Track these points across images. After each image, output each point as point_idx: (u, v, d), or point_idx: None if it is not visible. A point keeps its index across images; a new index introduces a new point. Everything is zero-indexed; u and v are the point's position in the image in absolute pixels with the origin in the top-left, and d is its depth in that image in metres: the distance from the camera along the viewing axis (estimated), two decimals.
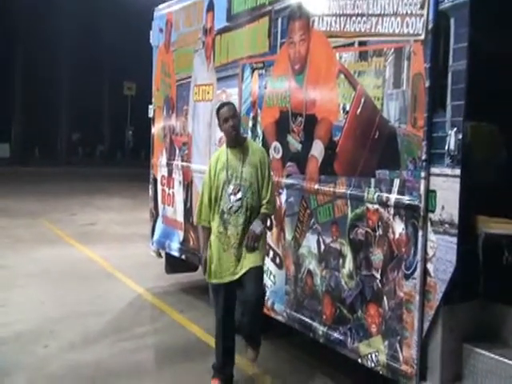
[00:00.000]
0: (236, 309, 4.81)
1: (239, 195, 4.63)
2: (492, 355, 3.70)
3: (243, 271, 4.61)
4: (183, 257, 7.26)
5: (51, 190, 19.19)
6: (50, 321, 6.46)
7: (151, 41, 8.16)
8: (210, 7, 6.60)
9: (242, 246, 4.62)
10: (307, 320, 5.01)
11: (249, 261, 4.62)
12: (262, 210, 4.73)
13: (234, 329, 4.83)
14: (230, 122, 4.65)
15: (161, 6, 8.01)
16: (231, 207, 4.64)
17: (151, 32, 8.16)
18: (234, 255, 4.64)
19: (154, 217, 8.08)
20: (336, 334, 4.66)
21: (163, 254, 7.97)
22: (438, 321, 3.82)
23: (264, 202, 4.72)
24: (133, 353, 5.66)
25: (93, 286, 8.00)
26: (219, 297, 4.77)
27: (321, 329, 4.84)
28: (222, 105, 4.85)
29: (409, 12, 3.97)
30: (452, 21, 3.67)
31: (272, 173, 4.93)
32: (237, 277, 4.64)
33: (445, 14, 3.71)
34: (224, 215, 4.66)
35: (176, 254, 7.42)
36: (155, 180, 8.07)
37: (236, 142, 4.76)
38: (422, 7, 3.86)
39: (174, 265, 7.84)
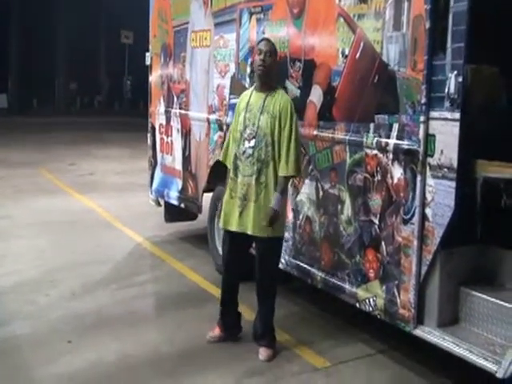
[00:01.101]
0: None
1: (252, 143, 4.38)
2: (489, 298, 3.73)
3: (250, 231, 4.42)
4: (182, 205, 7.26)
5: (49, 140, 19.08)
6: (50, 270, 6.48)
7: None
8: None
9: (246, 199, 4.40)
10: (306, 266, 5.04)
11: (259, 225, 4.36)
12: (281, 173, 4.35)
13: (236, 283, 4.71)
14: (262, 55, 4.36)
15: None
16: (243, 153, 4.41)
17: None
18: (237, 206, 4.46)
19: (153, 165, 8.05)
20: (334, 280, 4.69)
21: (162, 202, 7.97)
22: (436, 265, 3.84)
23: (283, 160, 4.33)
24: (134, 300, 5.69)
25: (92, 235, 8.01)
26: (224, 246, 4.75)
27: (319, 274, 4.87)
28: (262, 39, 4.70)
29: None
30: None
31: (298, 129, 4.54)
32: (241, 230, 4.46)
33: None
34: (236, 161, 4.47)
35: (175, 202, 7.42)
36: (153, 128, 8.01)
37: (263, 83, 4.47)
38: None
39: (173, 213, 7.84)
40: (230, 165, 4.60)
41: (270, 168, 4.38)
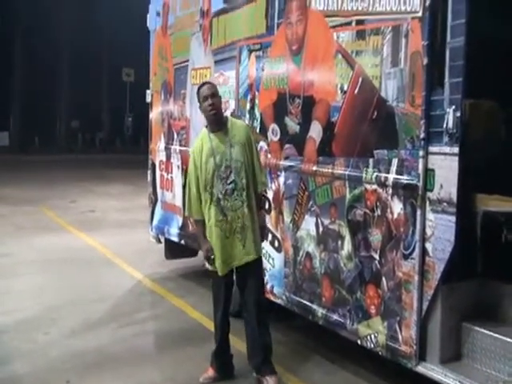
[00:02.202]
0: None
1: (232, 177, 4.44)
2: (491, 333, 3.70)
3: (253, 256, 4.50)
4: (182, 242, 7.24)
5: (51, 178, 19.16)
6: (51, 308, 6.45)
7: (148, 25, 8.10)
8: None
9: (245, 228, 4.47)
10: (306, 302, 5.00)
11: (251, 248, 4.51)
12: (260, 189, 4.65)
13: (229, 322, 4.71)
14: (209, 100, 4.43)
15: None
16: (226, 192, 4.44)
17: (148, 16, 8.10)
18: (238, 240, 4.48)
19: (153, 202, 8.05)
20: (335, 316, 4.65)
21: (162, 239, 7.94)
22: (437, 300, 3.80)
23: (259, 178, 4.59)
24: (134, 338, 5.64)
25: (93, 272, 7.99)
26: (220, 285, 4.62)
27: (320, 311, 4.83)
28: (202, 84, 4.68)
29: None
30: None
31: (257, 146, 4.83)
32: (243, 262, 4.50)
33: None
34: (220, 202, 4.45)
35: (175, 239, 7.40)
36: (154, 165, 8.03)
37: (217, 123, 4.53)
38: None
39: (173, 250, 7.81)
40: (201, 216, 4.59)
41: (251, 191, 4.55)
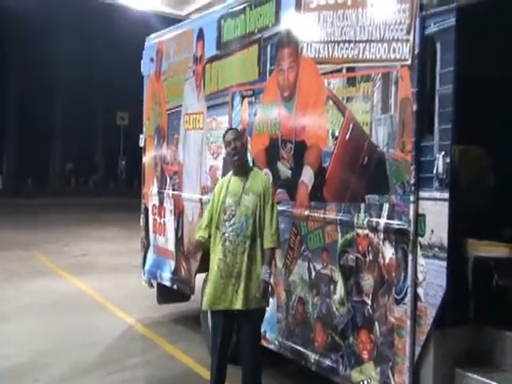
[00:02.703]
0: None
1: (238, 223, 4.51)
2: (484, 379, 3.66)
3: (244, 306, 4.46)
4: (175, 287, 7.20)
5: (44, 221, 19.13)
6: (41, 353, 6.38)
7: (142, 70, 8.19)
8: (200, 36, 6.65)
9: (241, 276, 4.48)
10: (299, 348, 4.96)
11: (254, 298, 4.49)
12: (268, 245, 4.54)
13: (226, 366, 4.67)
14: (232, 144, 4.59)
15: (152, 36, 8.07)
16: (229, 234, 4.52)
17: (142, 62, 8.20)
18: (231, 285, 4.49)
19: (146, 246, 8.03)
20: (328, 362, 4.61)
21: (155, 284, 7.90)
22: (430, 346, 3.78)
23: (268, 233, 4.53)
24: None
25: (84, 317, 7.91)
26: (216, 328, 4.63)
27: (313, 356, 4.79)
28: (227, 130, 4.86)
29: (395, 37, 4.01)
30: (438, 45, 3.71)
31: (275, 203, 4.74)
32: (235, 308, 4.48)
33: (431, 39, 3.74)
34: (225, 242, 4.54)
35: (168, 283, 7.36)
36: (146, 209, 8.04)
37: (239, 167, 4.69)
38: (408, 32, 3.89)
39: (165, 295, 7.76)
40: (203, 239, 4.73)
41: (258, 243, 4.54)
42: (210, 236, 4.69)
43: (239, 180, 4.65)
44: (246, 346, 4.58)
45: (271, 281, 4.72)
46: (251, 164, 5.42)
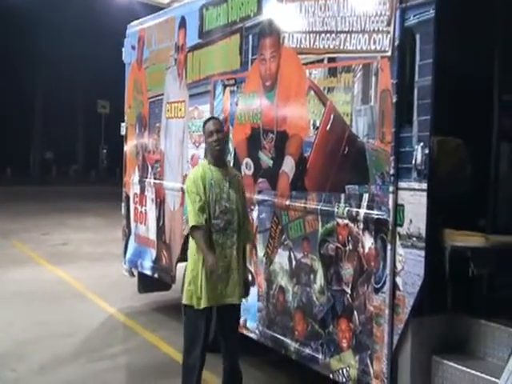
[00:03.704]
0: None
1: (227, 216, 4.41)
2: (461, 367, 3.71)
3: (236, 299, 4.47)
4: (156, 275, 7.21)
5: (23, 210, 18.98)
6: (19, 343, 6.36)
7: (123, 58, 8.15)
8: (182, 24, 6.63)
9: (230, 270, 4.39)
10: (279, 337, 5.00)
11: (234, 293, 4.45)
12: (247, 241, 4.67)
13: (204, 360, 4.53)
14: (215, 136, 4.46)
15: (133, 23, 8.04)
16: (221, 227, 4.39)
17: (123, 49, 8.15)
18: (223, 279, 4.37)
19: (127, 235, 8.02)
20: (308, 350, 4.65)
21: (136, 273, 7.90)
22: (408, 334, 3.83)
23: (245, 230, 4.56)
24: (105, 374, 5.59)
25: (64, 307, 7.91)
26: (198, 324, 4.43)
27: (293, 345, 4.83)
28: (208, 119, 4.76)
29: (376, 29, 4.03)
30: (417, 37, 3.74)
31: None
32: (222, 303, 4.43)
33: (410, 31, 3.77)
34: (213, 235, 4.39)
35: (149, 272, 7.37)
36: (128, 198, 8.02)
37: (220, 159, 4.59)
38: (388, 24, 3.92)
39: (146, 284, 7.76)
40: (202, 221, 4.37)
41: (241, 236, 4.51)
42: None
43: (221, 171, 4.52)
44: (230, 336, 4.56)
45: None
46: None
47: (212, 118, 4.91)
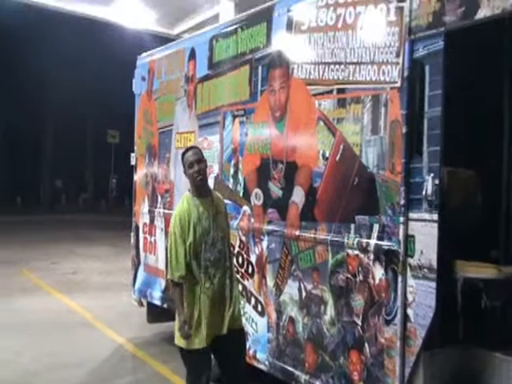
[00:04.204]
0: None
1: (218, 246, 4.37)
2: None
3: (230, 326, 4.39)
4: (165, 306, 7.18)
5: (33, 239, 19.04)
6: (27, 373, 6.33)
7: (134, 89, 8.22)
8: (192, 55, 6.69)
9: (226, 298, 4.39)
10: (290, 368, 4.95)
11: (237, 317, 4.47)
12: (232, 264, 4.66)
13: None
14: (196, 167, 4.31)
15: (144, 55, 8.11)
16: (212, 260, 4.33)
17: (134, 80, 8.23)
18: (221, 311, 4.38)
19: (136, 265, 8.01)
20: (318, 383, 4.60)
21: (145, 302, 7.87)
22: (419, 367, 3.79)
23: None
24: None
25: (73, 336, 7.87)
26: (202, 368, 4.37)
27: (303, 377, 4.78)
28: (187, 149, 4.53)
29: (385, 60, 4.06)
30: (427, 68, 3.76)
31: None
32: (223, 332, 4.38)
33: (420, 62, 3.79)
34: (208, 269, 4.32)
35: (158, 302, 7.34)
36: (137, 228, 8.03)
37: (203, 189, 4.44)
38: (397, 55, 3.94)
39: (155, 314, 7.71)
40: (184, 279, 4.33)
41: (232, 261, 4.54)
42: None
43: (206, 201, 4.42)
44: (236, 365, 4.49)
45: None
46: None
47: (191, 147, 4.65)
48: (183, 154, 4.46)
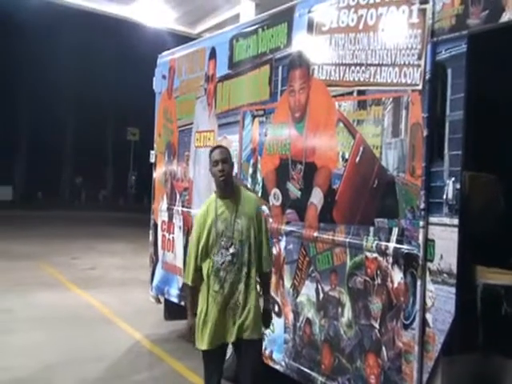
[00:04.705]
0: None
1: (232, 250, 4.19)
2: None
3: (240, 335, 4.23)
4: (182, 303, 7.19)
5: (53, 234, 19.19)
6: (47, 366, 6.40)
7: (154, 87, 8.25)
8: (213, 55, 6.70)
9: (239, 306, 4.21)
10: (306, 370, 4.94)
11: (254, 327, 4.25)
12: (266, 269, 4.37)
13: None
14: (220, 166, 4.20)
15: (164, 53, 8.14)
16: (223, 263, 4.18)
17: (154, 79, 8.26)
18: (231, 317, 4.22)
19: (154, 262, 8.04)
20: None
21: (162, 299, 7.90)
22: (438, 372, 3.76)
23: (264, 257, 4.33)
24: None
25: (91, 331, 7.93)
26: (211, 367, 4.34)
27: (319, 379, 4.76)
28: (215, 147, 4.49)
29: (406, 62, 4.02)
30: (449, 71, 3.72)
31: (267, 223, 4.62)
32: (231, 340, 4.26)
33: (442, 65, 3.76)
34: (220, 272, 4.19)
35: (175, 300, 7.36)
36: (155, 225, 8.06)
37: (226, 190, 4.29)
38: (419, 58, 3.91)
39: (173, 311, 7.74)
40: (195, 283, 4.34)
41: (254, 269, 4.28)
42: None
43: (228, 203, 4.29)
44: (248, 376, 4.29)
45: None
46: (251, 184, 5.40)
47: (219, 146, 4.56)
48: (211, 151, 4.38)
